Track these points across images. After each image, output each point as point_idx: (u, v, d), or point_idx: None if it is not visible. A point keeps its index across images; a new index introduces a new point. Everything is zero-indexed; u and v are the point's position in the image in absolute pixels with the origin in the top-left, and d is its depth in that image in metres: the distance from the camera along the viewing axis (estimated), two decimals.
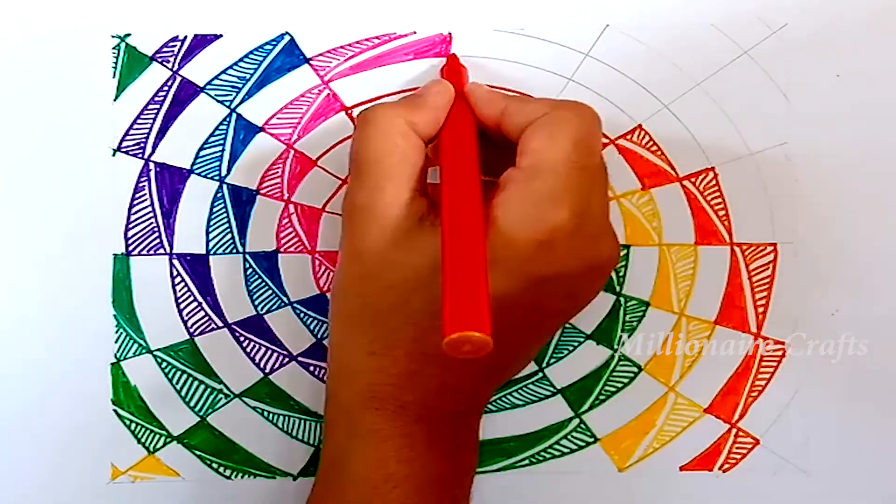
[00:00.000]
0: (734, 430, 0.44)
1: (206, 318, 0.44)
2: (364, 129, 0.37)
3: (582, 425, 0.44)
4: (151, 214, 0.44)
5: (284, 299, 0.44)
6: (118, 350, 0.44)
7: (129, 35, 0.44)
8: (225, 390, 0.44)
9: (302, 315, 0.44)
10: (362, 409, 0.36)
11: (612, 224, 0.38)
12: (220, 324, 0.44)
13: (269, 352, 0.44)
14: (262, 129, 0.44)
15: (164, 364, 0.44)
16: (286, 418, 0.44)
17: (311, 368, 0.44)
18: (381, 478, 0.35)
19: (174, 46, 0.44)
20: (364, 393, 0.36)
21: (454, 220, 0.33)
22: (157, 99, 0.44)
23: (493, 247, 0.33)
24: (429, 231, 0.35)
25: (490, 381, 0.39)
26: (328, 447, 0.38)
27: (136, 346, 0.44)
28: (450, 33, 0.44)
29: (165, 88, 0.44)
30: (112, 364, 0.44)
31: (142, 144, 0.44)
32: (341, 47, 0.44)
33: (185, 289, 0.44)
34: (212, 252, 0.44)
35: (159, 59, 0.44)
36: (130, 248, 0.44)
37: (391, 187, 0.36)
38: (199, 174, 0.44)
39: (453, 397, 0.37)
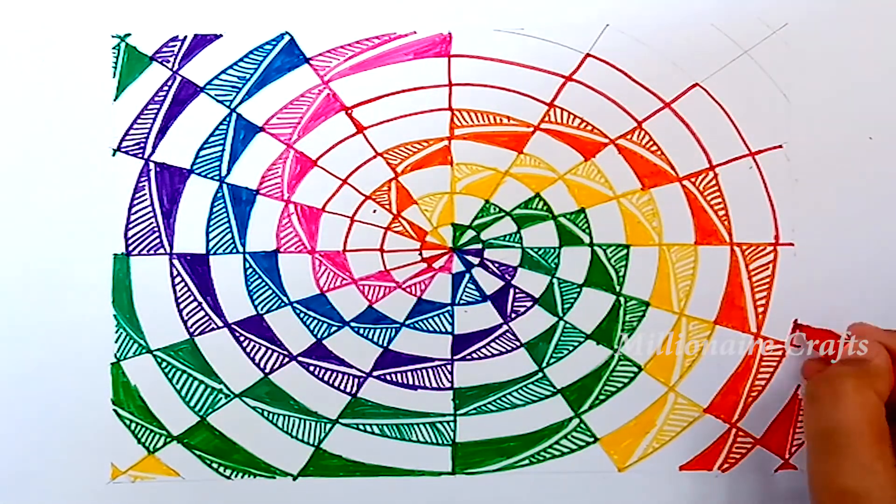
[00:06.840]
0: (734, 430, 0.44)
1: (206, 317, 0.44)
2: (838, 405, 0.36)
3: (582, 425, 0.44)
4: (151, 214, 0.44)
5: (284, 299, 0.44)
6: (118, 350, 0.44)
7: (129, 35, 0.44)
8: (225, 390, 0.44)
9: (302, 315, 0.44)
10: None
11: None
12: (220, 324, 0.44)
13: (269, 352, 0.44)
14: (262, 129, 0.44)
15: (164, 364, 0.44)
16: (286, 418, 0.44)
17: (311, 368, 0.44)
18: None
19: (174, 46, 0.44)
20: None
21: None
22: (157, 99, 0.44)
23: None
24: None
25: None
26: None
27: (136, 345, 0.44)
28: (450, 33, 0.44)
29: (165, 88, 0.44)
30: (112, 364, 0.44)
31: (142, 144, 0.44)
32: (341, 47, 0.44)
33: (185, 289, 0.44)
34: (212, 252, 0.44)
35: (159, 59, 0.44)
36: (130, 248, 0.44)
37: (881, 467, 0.34)
38: (199, 174, 0.44)
39: None
